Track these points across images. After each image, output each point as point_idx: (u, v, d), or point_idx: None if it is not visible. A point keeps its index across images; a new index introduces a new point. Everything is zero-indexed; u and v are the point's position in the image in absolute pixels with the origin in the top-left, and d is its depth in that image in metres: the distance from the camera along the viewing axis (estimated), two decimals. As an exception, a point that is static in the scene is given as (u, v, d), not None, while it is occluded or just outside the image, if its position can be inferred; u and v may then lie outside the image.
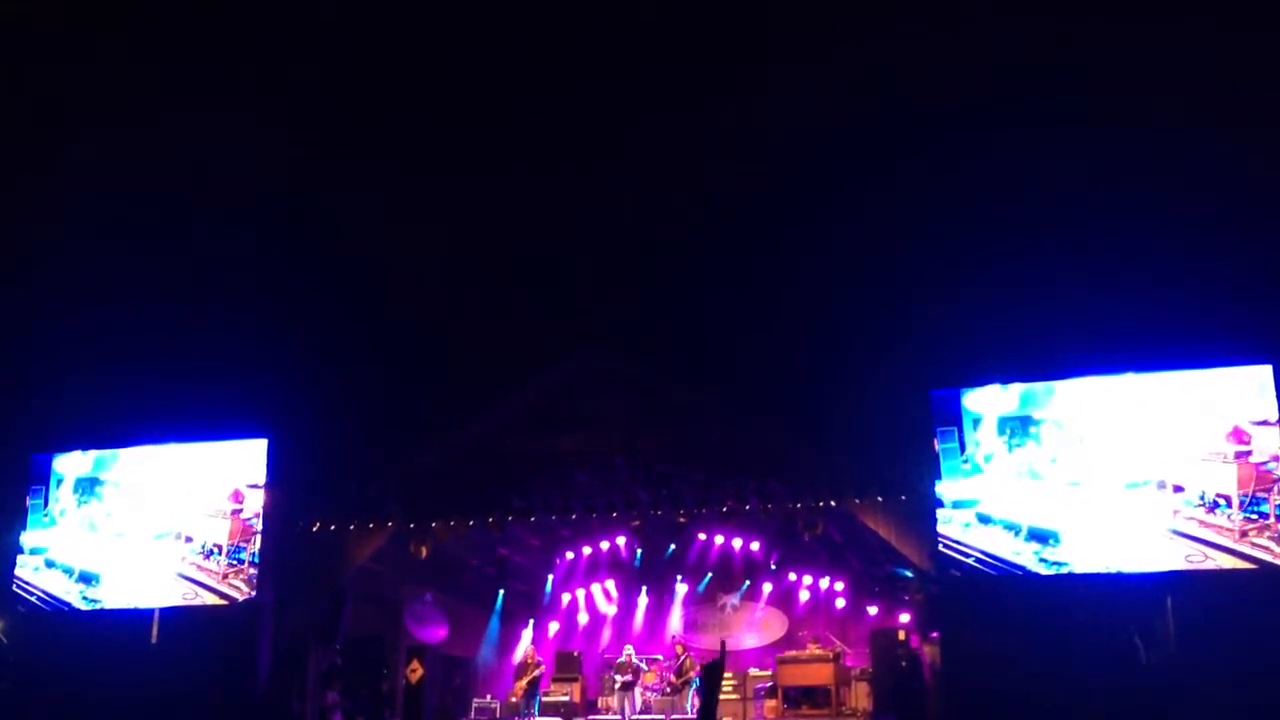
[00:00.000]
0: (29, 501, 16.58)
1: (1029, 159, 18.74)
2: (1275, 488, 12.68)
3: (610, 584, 21.20)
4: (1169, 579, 12.84)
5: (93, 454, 16.67)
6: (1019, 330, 16.97)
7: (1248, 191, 17.39)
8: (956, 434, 14.05)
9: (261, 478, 15.83)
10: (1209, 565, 12.74)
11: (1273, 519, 12.61)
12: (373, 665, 17.14)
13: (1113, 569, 13.12)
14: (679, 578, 20.64)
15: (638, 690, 17.50)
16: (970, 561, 13.67)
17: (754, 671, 18.52)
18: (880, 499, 14.60)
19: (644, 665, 18.25)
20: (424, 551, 16.17)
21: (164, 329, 19.99)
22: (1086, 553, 13.28)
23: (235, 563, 15.57)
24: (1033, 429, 13.82)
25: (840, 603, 19.92)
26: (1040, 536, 13.49)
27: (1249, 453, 12.84)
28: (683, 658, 17.78)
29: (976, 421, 14.04)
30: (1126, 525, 13.15)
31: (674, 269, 21.45)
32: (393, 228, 21.15)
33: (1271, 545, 12.56)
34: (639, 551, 19.81)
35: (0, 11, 17.22)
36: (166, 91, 19.19)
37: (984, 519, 13.75)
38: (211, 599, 15.54)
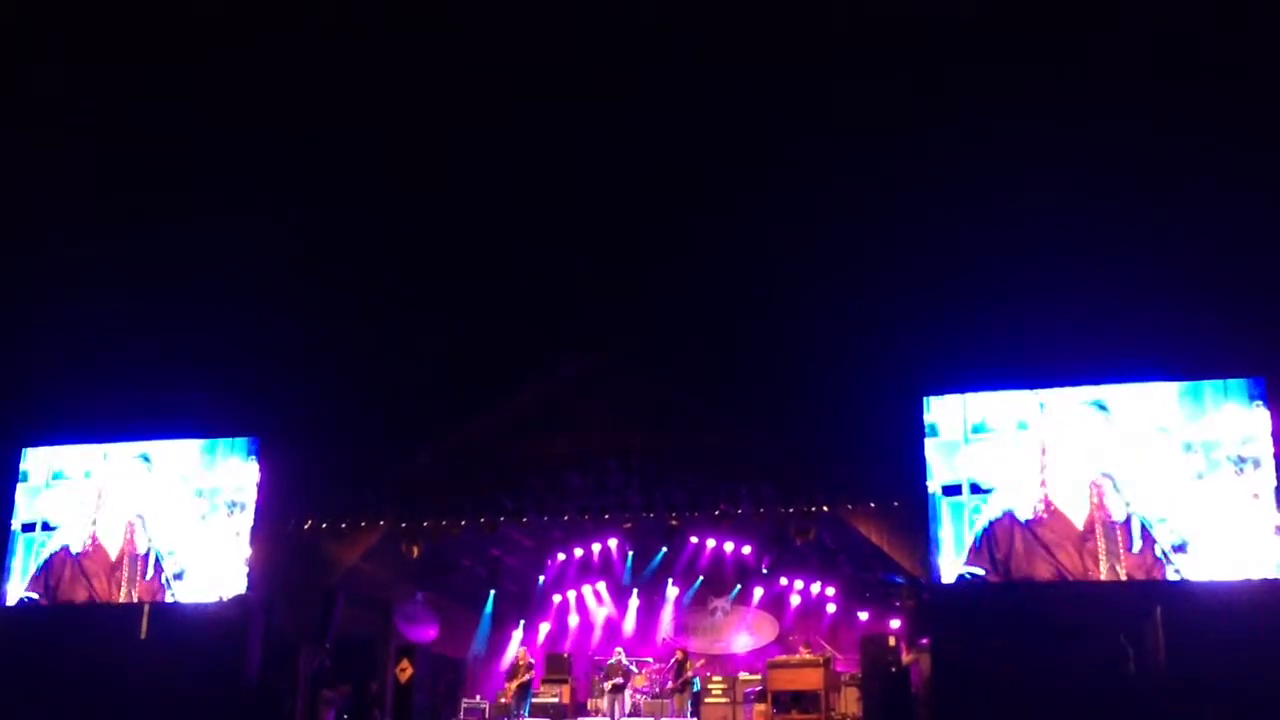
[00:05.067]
0: (16, 495, 16.54)
1: (1024, 163, 18.76)
2: None
3: (601, 586, 21.19)
4: (1160, 588, 12.85)
5: (82, 449, 16.62)
6: (1013, 338, 16.98)
7: (1242, 200, 17.42)
8: (949, 440, 14.05)
9: (253, 475, 15.79)
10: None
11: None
12: (363, 665, 17.14)
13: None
14: (670, 580, 20.64)
15: (628, 692, 17.52)
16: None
17: (744, 675, 18.53)
18: (872, 504, 14.62)
19: (634, 668, 18.26)
20: (415, 551, 16.17)
21: (154, 325, 19.93)
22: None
23: (225, 561, 15.53)
24: (1025, 436, 13.82)
25: (831, 608, 19.95)
26: (1032, 544, 13.51)
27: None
28: (681, 659, 17.75)
29: (969, 427, 14.04)
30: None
31: (668, 272, 21.44)
32: (386, 225, 21.12)
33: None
34: (630, 554, 19.82)
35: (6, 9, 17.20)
36: (158, 88, 19.15)
37: (976, 525, 13.77)
38: (200, 596, 15.49)
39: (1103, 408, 13.59)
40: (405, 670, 17.01)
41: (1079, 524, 13.28)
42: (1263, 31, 16.06)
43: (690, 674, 17.42)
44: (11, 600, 16.18)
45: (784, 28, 18.84)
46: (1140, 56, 17.52)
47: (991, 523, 13.55)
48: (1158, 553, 12.91)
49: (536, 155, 20.67)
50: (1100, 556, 13.09)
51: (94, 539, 16.19)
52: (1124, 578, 12.98)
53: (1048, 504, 13.43)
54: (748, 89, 19.86)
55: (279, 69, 19.25)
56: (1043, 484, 13.51)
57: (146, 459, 16.38)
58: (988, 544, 13.46)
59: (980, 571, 13.40)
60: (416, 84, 19.92)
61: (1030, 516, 13.45)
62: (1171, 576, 12.81)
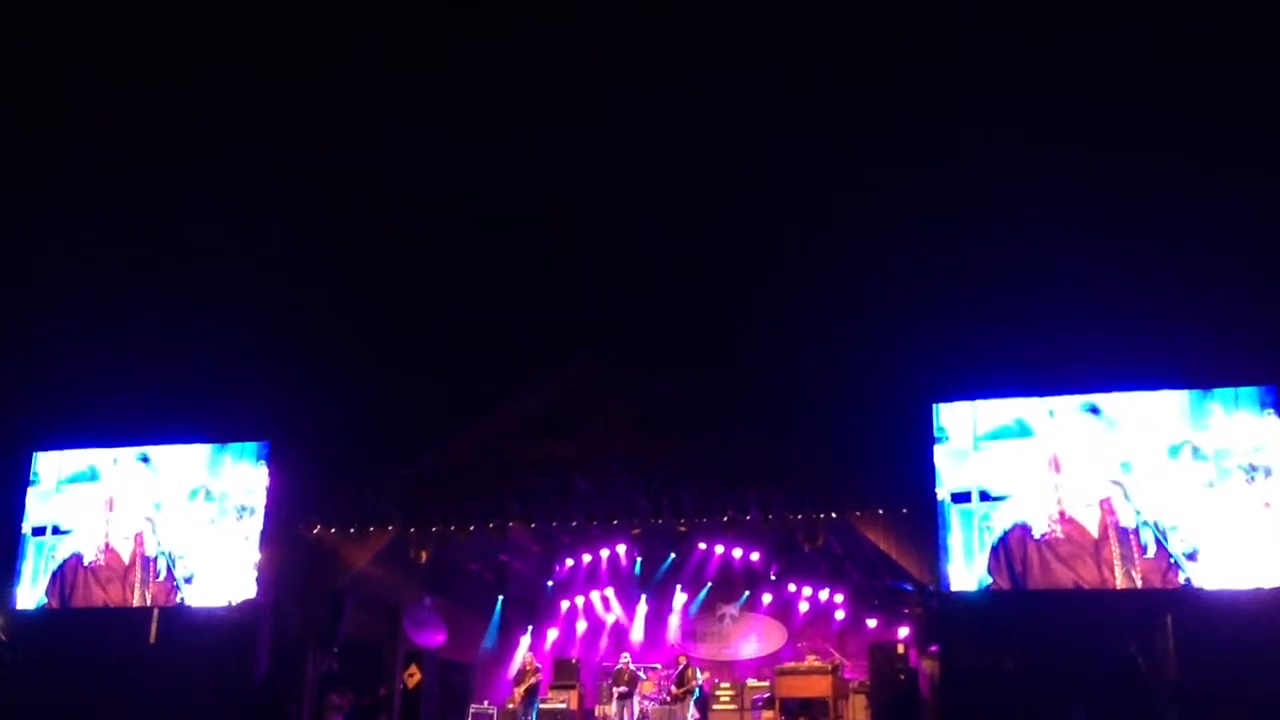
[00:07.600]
0: (27, 499, 16.59)
1: (1033, 168, 18.74)
2: None
3: (609, 592, 21.16)
4: (1171, 596, 12.79)
5: (92, 453, 16.67)
6: (1022, 345, 16.94)
7: (1254, 208, 17.37)
8: (958, 447, 14.01)
9: (262, 480, 15.82)
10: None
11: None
12: (370, 670, 17.14)
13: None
14: (678, 586, 20.61)
15: (636, 699, 17.50)
16: (970, 575, 13.63)
17: (752, 682, 18.49)
18: (881, 511, 14.57)
19: (642, 674, 18.23)
20: (423, 556, 16.17)
21: (164, 330, 20.03)
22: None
23: (234, 565, 15.55)
24: (1035, 444, 13.76)
25: (840, 615, 19.89)
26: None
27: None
28: (684, 667, 17.75)
29: (978, 435, 13.99)
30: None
31: (676, 276, 21.47)
32: (395, 231, 21.20)
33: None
34: (639, 559, 19.79)
35: (6, 11, 17.30)
36: (165, 89, 19.25)
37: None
38: (210, 600, 15.52)
39: (1108, 420, 13.53)
40: (413, 675, 17.03)
41: (1094, 531, 13.21)
42: (1266, 35, 16.03)
43: (692, 683, 17.39)
44: (23, 604, 16.22)
45: (789, 32, 18.88)
46: (1144, 62, 17.51)
47: (1005, 534, 13.48)
48: (1169, 560, 12.84)
49: (539, 159, 20.74)
50: (1116, 564, 13.02)
51: (106, 544, 16.22)
52: (1140, 585, 12.91)
53: (1062, 514, 13.36)
54: (754, 93, 19.90)
55: (285, 70, 19.33)
56: (1055, 492, 13.45)
57: (154, 463, 16.42)
58: (1005, 558, 13.38)
59: (1006, 587, 13.32)
60: (420, 86, 20.00)
61: (1045, 529, 13.36)
62: (1183, 583, 12.75)
